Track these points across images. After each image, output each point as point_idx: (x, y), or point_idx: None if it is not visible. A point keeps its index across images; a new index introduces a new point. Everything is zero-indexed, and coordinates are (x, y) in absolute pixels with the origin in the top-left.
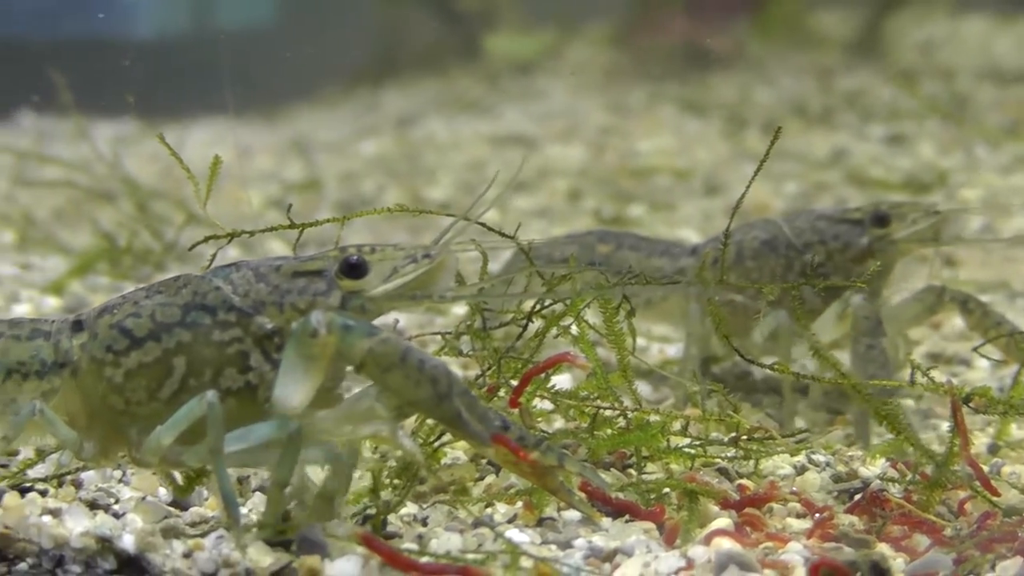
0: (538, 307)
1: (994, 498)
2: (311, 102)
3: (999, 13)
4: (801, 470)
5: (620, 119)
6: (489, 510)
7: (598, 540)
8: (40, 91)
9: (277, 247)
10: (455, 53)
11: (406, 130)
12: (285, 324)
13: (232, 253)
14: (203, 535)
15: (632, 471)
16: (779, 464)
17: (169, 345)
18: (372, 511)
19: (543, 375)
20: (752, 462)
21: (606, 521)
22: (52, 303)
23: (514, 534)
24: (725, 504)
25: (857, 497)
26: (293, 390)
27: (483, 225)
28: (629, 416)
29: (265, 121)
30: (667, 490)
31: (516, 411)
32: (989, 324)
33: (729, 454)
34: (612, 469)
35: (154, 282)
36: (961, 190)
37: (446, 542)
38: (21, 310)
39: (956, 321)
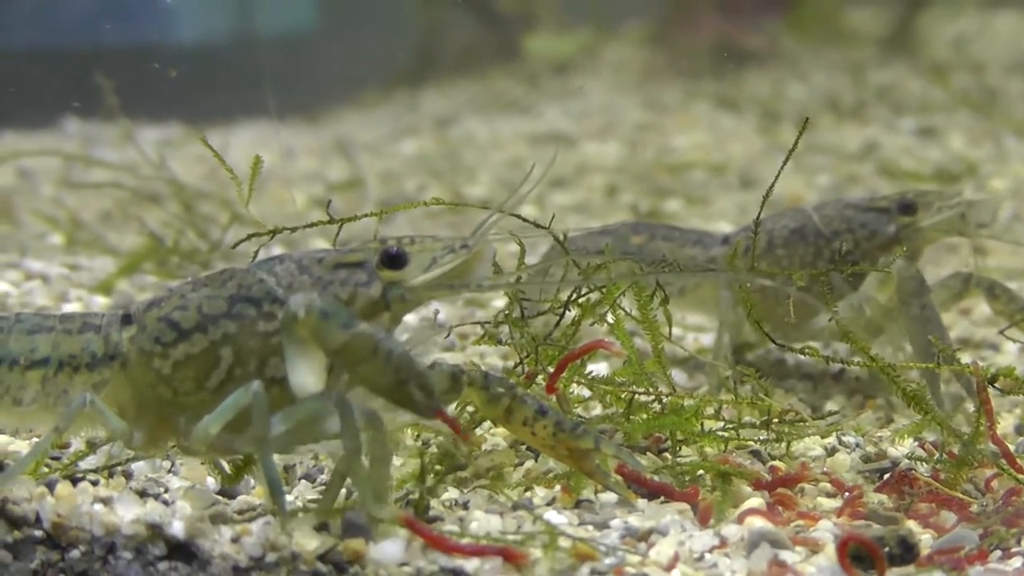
0: (574, 296)
1: (1019, 475)
2: (352, 104)
3: None
4: (831, 451)
5: (656, 116)
6: (528, 494)
7: (634, 520)
8: (83, 97)
9: (321, 245)
10: (494, 54)
11: (445, 130)
12: None
13: (277, 251)
14: (250, 521)
15: (667, 455)
16: (810, 446)
17: (215, 336)
18: (415, 495)
19: (579, 362)
20: (784, 444)
21: (641, 502)
22: (101, 301)
23: (552, 516)
24: (757, 485)
25: (886, 476)
26: (303, 375)
27: (519, 217)
28: (664, 401)
29: (307, 123)
30: (701, 472)
31: (553, 397)
32: (1015, 308)
33: (762, 437)
34: (648, 453)
35: (200, 276)
36: (990, 180)
37: (486, 524)
38: (71, 308)
39: (985, 307)
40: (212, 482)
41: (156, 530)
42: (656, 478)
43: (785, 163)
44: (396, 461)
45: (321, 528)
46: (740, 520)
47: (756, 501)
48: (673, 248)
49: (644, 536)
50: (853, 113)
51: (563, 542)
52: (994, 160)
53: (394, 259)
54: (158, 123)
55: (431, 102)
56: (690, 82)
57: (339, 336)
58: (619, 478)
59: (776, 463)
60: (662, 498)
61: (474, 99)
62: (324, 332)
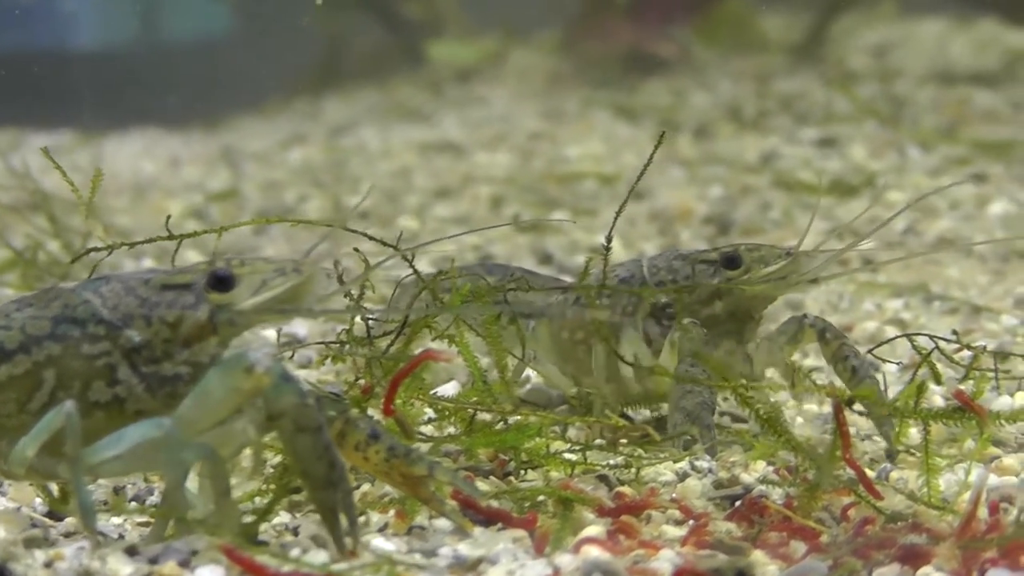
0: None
1: (877, 502)
2: (255, 112)
3: (958, 15)
4: (683, 476)
5: (552, 125)
6: (362, 518)
7: (464, 548)
8: None
9: (194, 256)
10: (398, 61)
11: (337, 138)
12: (153, 337)
13: (149, 263)
14: (63, 545)
15: (512, 478)
16: (661, 471)
17: (39, 358)
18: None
19: (422, 380)
20: (633, 469)
21: (477, 530)
22: None
23: (380, 542)
24: (601, 511)
25: (737, 503)
26: (200, 413)
27: (365, 235)
28: (508, 421)
29: (206, 131)
30: (542, 497)
31: (391, 418)
32: (839, 356)
33: (612, 461)
34: (491, 477)
35: (26, 295)
36: (889, 192)
37: (313, 557)
38: None
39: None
40: (40, 503)
41: None
42: (495, 503)
43: (644, 171)
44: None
45: (134, 553)
46: (576, 549)
47: (596, 529)
48: (521, 293)
49: (473, 565)
50: (754, 123)
51: (389, 570)
52: (895, 171)
53: (221, 281)
54: (49, 130)
55: (332, 110)
56: (593, 90)
57: (290, 399)
58: (455, 504)
59: (623, 488)
60: (499, 525)
61: (375, 107)
62: (278, 393)
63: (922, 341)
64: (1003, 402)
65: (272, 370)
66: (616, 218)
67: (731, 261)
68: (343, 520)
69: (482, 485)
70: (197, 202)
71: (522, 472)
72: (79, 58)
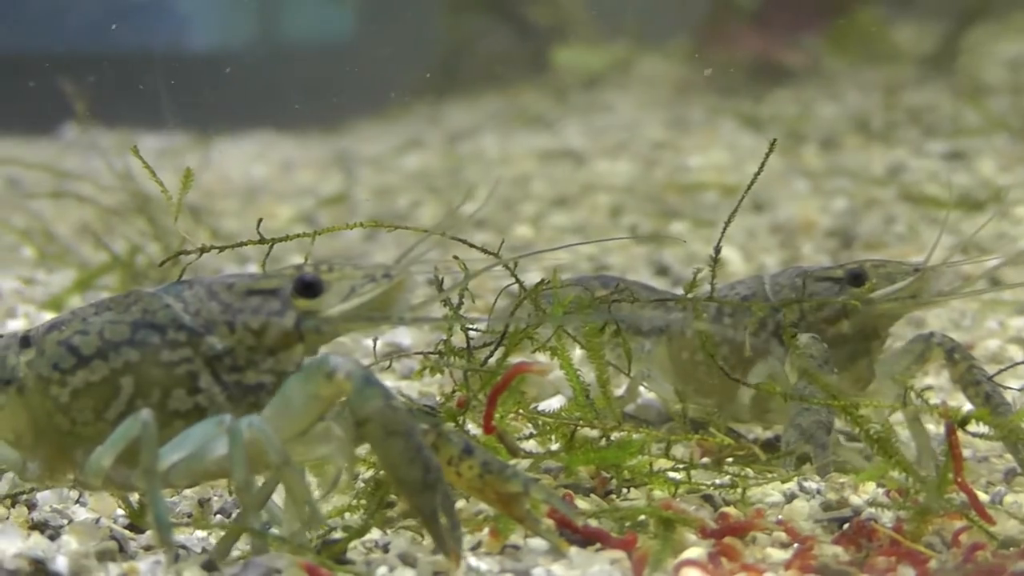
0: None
1: (990, 527)
2: (376, 117)
3: None
4: (790, 498)
5: (676, 134)
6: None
7: (558, 569)
8: (88, 104)
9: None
10: (523, 66)
11: (456, 144)
12: (236, 344)
13: (253, 268)
14: (142, 558)
15: (614, 497)
16: (768, 492)
17: (116, 364)
18: (336, 535)
19: (521, 394)
20: (739, 489)
21: (574, 550)
22: (49, 318)
23: (472, 561)
24: (703, 532)
25: (845, 526)
26: (280, 422)
27: (466, 243)
28: (611, 437)
29: (323, 135)
30: (643, 517)
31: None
32: (969, 380)
33: (717, 481)
34: (592, 495)
35: (105, 298)
36: (1016, 207)
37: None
38: (15, 325)
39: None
40: (122, 514)
41: (39, 565)
42: (592, 523)
43: (755, 179)
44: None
45: (212, 569)
46: (676, 571)
47: (697, 551)
48: (634, 307)
49: None
50: (882, 135)
51: None
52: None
53: (309, 287)
54: (162, 132)
55: (454, 115)
56: (721, 100)
57: (376, 403)
58: (551, 523)
59: (728, 509)
60: (597, 545)
61: (497, 113)
62: (363, 397)
63: None
64: None
65: (353, 374)
66: (725, 228)
67: (856, 278)
68: (445, 523)
69: (582, 504)
70: (307, 207)
71: (624, 491)
72: (194, 60)
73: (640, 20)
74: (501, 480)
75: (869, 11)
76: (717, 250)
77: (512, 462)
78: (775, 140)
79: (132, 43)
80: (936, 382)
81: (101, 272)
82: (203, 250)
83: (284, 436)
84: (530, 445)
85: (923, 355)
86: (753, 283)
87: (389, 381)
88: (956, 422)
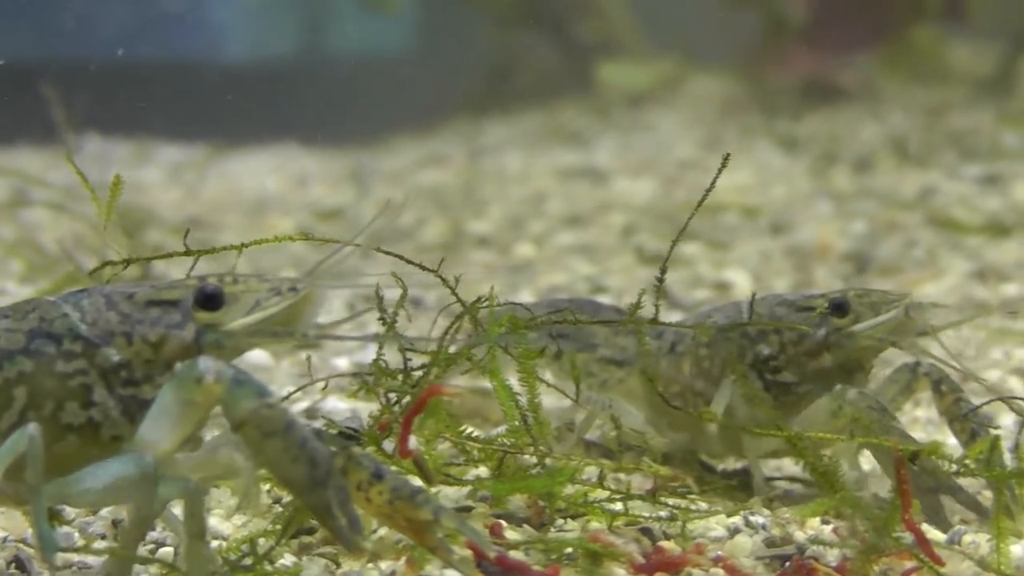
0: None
1: (940, 568)
2: (417, 131)
3: None
4: (734, 532)
5: (707, 153)
6: (371, 564)
7: None
8: (107, 113)
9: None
10: (569, 83)
11: (478, 160)
12: (134, 357)
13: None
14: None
15: (550, 528)
16: (711, 525)
17: (11, 374)
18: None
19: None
20: (680, 523)
21: None
22: None
23: None
24: (634, 567)
25: (787, 564)
26: (162, 433)
27: (401, 258)
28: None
29: (355, 150)
30: (570, 550)
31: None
32: (955, 414)
33: (659, 513)
34: (524, 525)
35: (5, 306)
36: None
37: None
38: None
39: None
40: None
41: None
42: (518, 555)
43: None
44: (239, 520)
45: None
46: None
47: None
48: (608, 334)
49: None
50: (918, 157)
51: None
52: None
53: (210, 299)
54: (183, 143)
55: (492, 131)
56: (764, 120)
57: (249, 404)
58: (467, 554)
59: (665, 543)
60: None
61: (535, 130)
62: (234, 399)
63: None
64: None
65: (223, 376)
66: (673, 246)
67: (839, 308)
68: (342, 518)
69: (513, 534)
70: (304, 221)
71: (561, 521)
72: (225, 70)
73: (690, 38)
74: (411, 507)
75: (925, 30)
76: (663, 271)
77: (434, 490)
78: (728, 155)
79: (162, 52)
80: (926, 414)
81: (65, 284)
82: (129, 261)
83: (168, 447)
84: (477, 472)
85: (909, 386)
86: (730, 310)
87: (359, 404)
88: (905, 456)
